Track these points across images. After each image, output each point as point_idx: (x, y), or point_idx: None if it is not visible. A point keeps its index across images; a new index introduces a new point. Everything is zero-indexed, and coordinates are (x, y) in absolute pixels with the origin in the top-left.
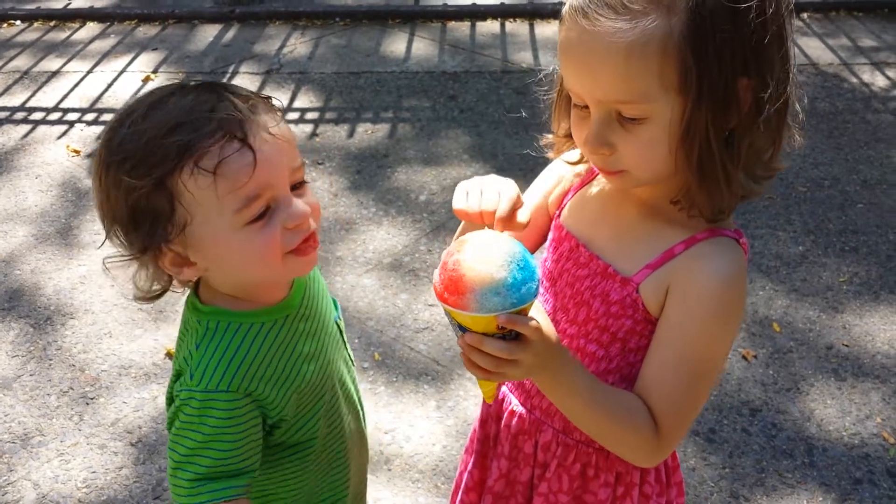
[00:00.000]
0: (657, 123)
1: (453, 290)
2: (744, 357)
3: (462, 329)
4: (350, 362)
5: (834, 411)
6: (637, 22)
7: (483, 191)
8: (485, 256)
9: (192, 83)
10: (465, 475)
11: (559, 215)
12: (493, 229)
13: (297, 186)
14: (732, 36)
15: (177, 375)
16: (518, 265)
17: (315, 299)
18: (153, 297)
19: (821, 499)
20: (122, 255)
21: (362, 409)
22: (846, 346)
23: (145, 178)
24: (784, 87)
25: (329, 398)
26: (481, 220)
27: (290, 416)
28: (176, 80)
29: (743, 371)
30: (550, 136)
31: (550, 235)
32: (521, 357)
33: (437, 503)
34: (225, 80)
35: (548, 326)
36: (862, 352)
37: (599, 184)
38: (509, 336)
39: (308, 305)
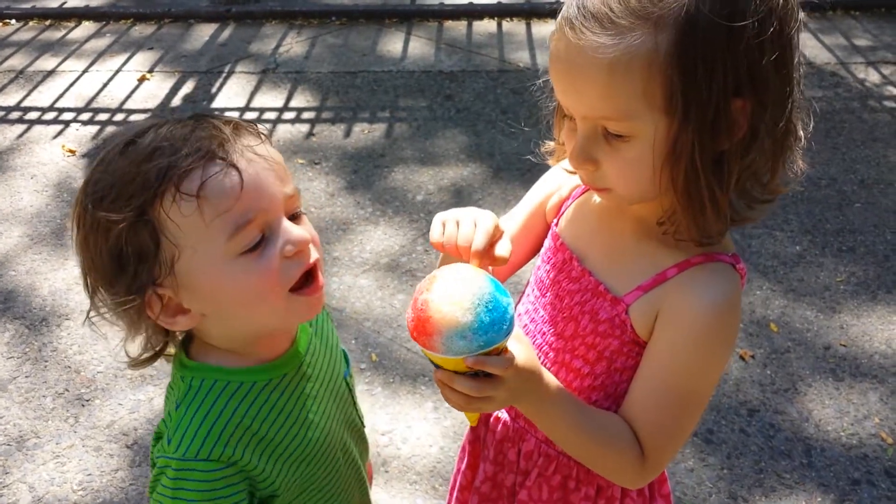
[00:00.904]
0: (641, 142)
1: (421, 331)
2: (741, 357)
3: (436, 365)
4: (359, 423)
5: (832, 411)
6: (622, 38)
7: (459, 223)
8: (452, 298)
9: (170, 118)
10: (459, 475)
11: (556, 223)
12: (470, 263)
13: (295, 218)
14: (725, 55)
15: (157, 438)
16: (486, 307)
17: (320, 355)
18: (148, 361)
19: (819, 499)
20: (109, 307)
21: (365, 478)
22: (844, 346)
23: (124, 210)
24: (784, 111)
25: (324, 467)
26: (458, 254)
27: (286, 490)
28: (172, 80)
29: (741, 371)
30: (552, 142)
31: (546, 243)
32: (493, 394)
33: None
34: (221, 80)
35: (525, 357)
36: (860, 352)
37: (598, 197)
38: (481, 373)
39: (312, 363)
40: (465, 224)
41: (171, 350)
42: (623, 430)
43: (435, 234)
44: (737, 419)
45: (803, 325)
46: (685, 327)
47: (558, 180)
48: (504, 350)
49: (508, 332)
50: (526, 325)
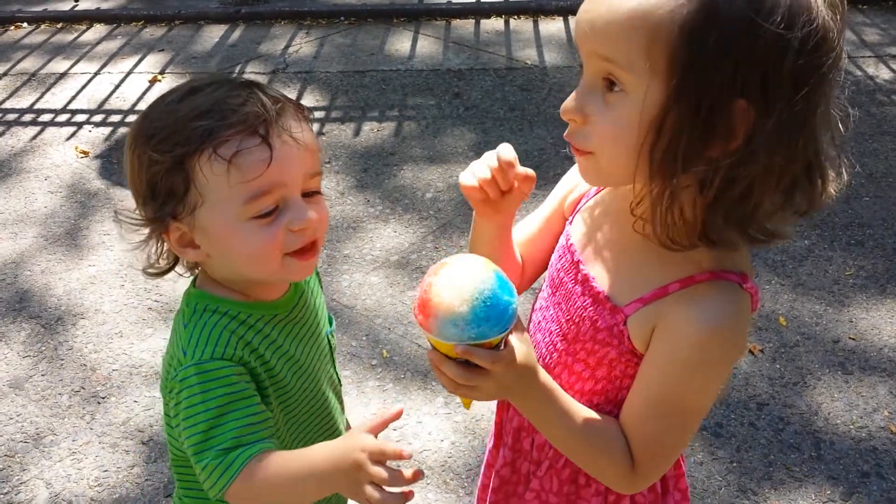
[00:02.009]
0: (633, 102)
1: (421, 310)
2: (750, 351)
3: (431, 345)
4: (337, 382)
5: (841, 405)
6: None
7: (483, 159)
8: (454, 286)
9: (230, 77)
10: (487, 453)
11: (571, 222)
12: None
13: (312, 195)
14: (743, 47)
15: (167, 368)
16: (484, 301)
17: (309, 309)
18: (159, 273)
19: (828, 492)
20: (135, 219)
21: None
22: (853, 339)
23: (166, 155)
24: (795, 132)
25: (306, 411)
26: (482, 194)
27: (274, 416)
28: (183, 81)
29: (750, 365)
30: None
31: (561, 241)
32: (480, 384)
33: (446, 499)
34: None
35: (521, 356)
36: (869, 345)
37: (611, 201)
38: (471, 362)
39: (300, 312)
40: (482, 161)
41: (179, 270)
42: (617, 438)
43: (464, 178)
44: (746, 413)
45: (812, 319)
46: (680, 345)
47: (575, 179)
48: (500, 344)
49: (503, 330)
50: (538, 321)
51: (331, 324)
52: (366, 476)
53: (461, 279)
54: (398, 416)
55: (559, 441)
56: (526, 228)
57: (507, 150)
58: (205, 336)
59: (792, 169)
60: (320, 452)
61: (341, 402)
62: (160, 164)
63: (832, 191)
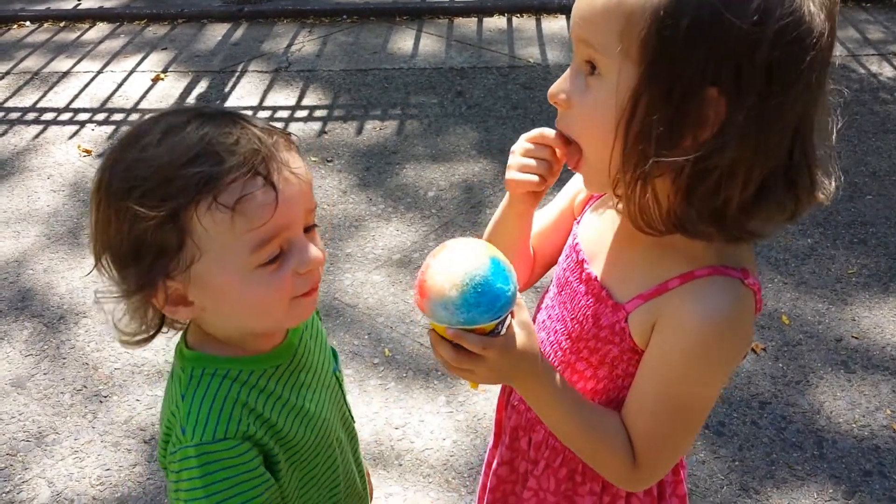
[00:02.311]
0: (608, 85)
1: (419, 290)
2: (753, 350)
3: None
4: (350, 419)
5: (843, 403)
6: None
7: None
8: (447, 270)
9: (208, 111)
10: (488, 453)
11: (578, 222)
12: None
13: (308, 229)
14: (714, 33)
15: (166, 437)
16: (475, 287)
17: (311, 351)
18: (142, 342)
19: (831, 491)
20: (114, 291)
21: (361, 473)
22: (855, 338)
23: (157, 209)
24: (770, 126)
25: (323, 462)
26: (533, 185)
27: (288, 482)
28: (185, 80)
29: (752, 364)
30: None
31: (569, 240)
32: (472, 368)
33: (448, 498)
34: (234, 79)
35: (520, 342)
36: (871, 344)
37: (614, 201)
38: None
39: (304, 355)
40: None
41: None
42: (618, 431)
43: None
44: (748, 411)
45: (815, 318)
46: (679, 340)
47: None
48: (496, 330)
49: (496, 317)
50: (544, 319)
51: (336, 360)
52: None
53: (456, 264)
54: None
55: (561, 430)
56: (538, 223)
57: (550, 132)
58: (205, 412)
59: (763, 166)
60: None
61: (355, 440)
62: (148, 219)
63: (821, 196)
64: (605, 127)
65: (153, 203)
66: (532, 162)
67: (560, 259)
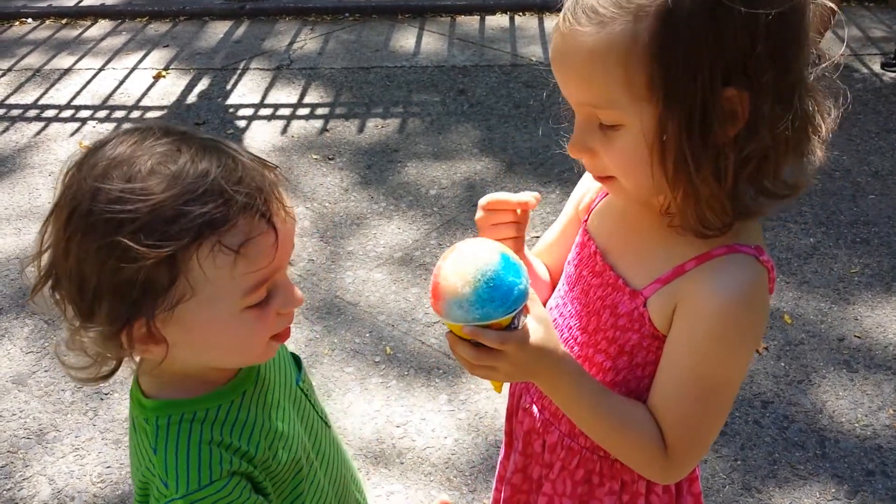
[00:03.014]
0: (632, 132)
1: (433, 293)
2: (755, 349)
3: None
4: (326, 425)
5: (846, 403)
6: (602, 27)
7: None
8: (459, 269)
9: (190, 134)
10: (499, 466)
11: (587, 220)
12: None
13: None
14: (711, 44)
15: (143, 491)
16: (487, 283)
17: (271, 366)
18: (102, 378)
19: (833, 490)
20: (91, 337)
21: (354, 478)
22: (858, 337)
23: (156, 249)
24: (789, 101)
25: (304, 479)
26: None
27: (274, 499)
28: (187, 77)
29: (754, 363)
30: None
31: (577, 239)
32: (494, 364)
33: (449, 496)
34: (236, 77)
35: (538, 337)
36: (874, 343)
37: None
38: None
39: (266, 375)
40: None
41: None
42: (646, 420)
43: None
44: (750, 411)
45: (817, 317)
46: (702, 319)
47: (588, 183)
48: (513, 324)
49: (510, 311)
50: (555, 319)
51: (299, 368)
52: None
53: (465, 262)
54: None
55: (588, 425)
56: (547, 238)
57: (508, 197)
58: (183, 462)
59: (797, 127)
60: None
61: (336, 445)
62: (143, 258)
63: (827, 129)
64: (640, 165)
65: (150, 241)
66: (498, 219)
67: (570, 258)
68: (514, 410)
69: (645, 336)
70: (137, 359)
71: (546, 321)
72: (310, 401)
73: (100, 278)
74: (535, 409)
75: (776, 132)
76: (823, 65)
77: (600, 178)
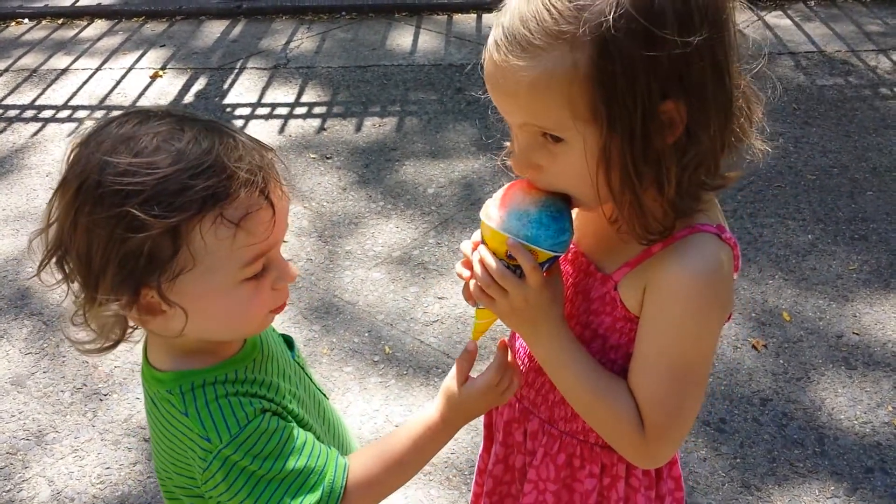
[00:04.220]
0: (575, 149)
1: (499, 202)
2: (754, 347)
3: (484, 242)
4: (324, 396)
5: (845, 400)
6: (539, 60)
7: None
8: (531, 192)
9: (190, 116)
10: (479, 459)
11: None
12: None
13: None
14: (647, 64)
15: (175, 467)
16: (550, 213)
17: (268, 340)
18: (107, 349)
19: (832, 487)
20: (77, 295)
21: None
22: (856, 334)
23: (162, 219)
24: (725, 102)
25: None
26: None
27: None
28: (184, 77)
29: (753, 361)
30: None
31: None
32: (512, 290)
33: (448, 495)
34: (233, 76)
35: (552, 290)
36: (872, 340)
37: None
38: (515, 268)
39: (269, 346)
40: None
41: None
42: (626, 398)
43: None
44: (749, 408)
45: (816, 314)
46: (670, 297)
47: None
48: (544, 264)
49: (553, 248)
50: None
51: (291, 348)
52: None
53: (538, 190)
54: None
55: (572, 393)
56: None
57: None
58: (217, 413)
59: (731, 122)
60: (419, 424)
61: (333, 413)
62: (149, 227)
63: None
64: (584, 179)
65: (157, 212)
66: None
67: None
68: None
69: (617, 318)
70: (144, 335)
71: (561, 288)
72: (307, 374)
73: (107, 248)
74: (513, 399)
75: (714, 135)
76: (759, 63)
77: (550, 190)
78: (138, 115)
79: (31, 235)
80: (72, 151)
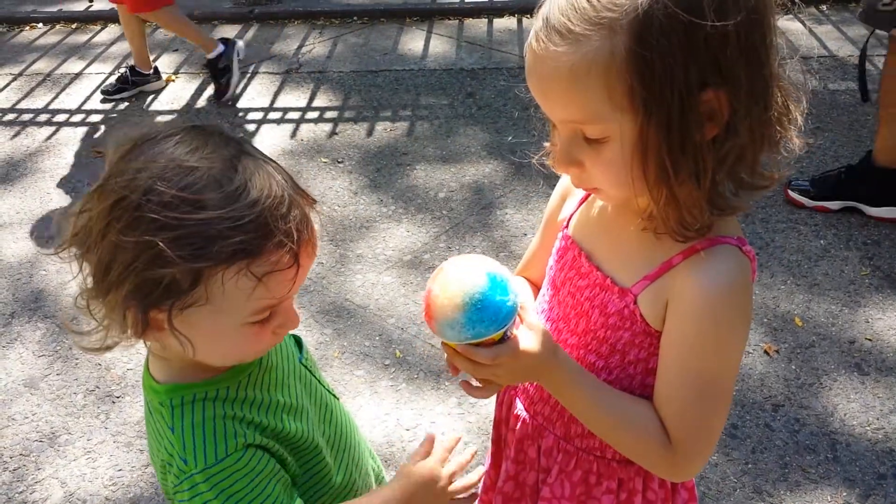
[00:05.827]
0: (617, 143)
1: (425, 313)
2: (766, 352)
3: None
4: (334, 398)
5: (857, 406)
6: (579, 47)
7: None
8: (446, 292)
9: (251, 155)
10: (485, 475)
11: (567, 225)
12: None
13: None
14: (685, 51)
15: (164, 470)
16: (474, 305)
17: (273, 350)
18: (104, 349)
19: (844, 494)
20: (87, 288)
21: (370, 451)
22: (869, 340)
23: (188, 262)
24: (764, 96)
25: (322, 446)
26: None
27: (300, 476)
28: (197, 81)
29: (765, 366)
30: (548, 144)
31: (557, 244)
32: (490, 375)
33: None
34: (245, 80)
35: (525, 341)
36: (885, 346)
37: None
38: None
39: (268, 359)
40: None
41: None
42: (648, 416)
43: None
44: (761, 414)
45: (828, 320)
46: (693, 311)
47: (565, 185)
48: (504, 337)
49: (501, 327)
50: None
51: (300, 349)
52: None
53: (453, 286)
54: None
55: (593, 421)
56: (531, 249)
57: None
58: (200, 437)
59: (773, 120)
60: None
61: (345, 416)
62: (173, 265)
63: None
64: (624, 174)
65: (186, 253)
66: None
67: (550, 263)
68: (503, 418)
69: (637, 333)
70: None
71: (538, 327)
72: (315, 376)
73: (127, 269)
74: (525, 415)
75: (753, 127)
76: (795, 57)
77: (588, 189)
78: (199, 136)
79: (59, 212)
80: (119, 148)
